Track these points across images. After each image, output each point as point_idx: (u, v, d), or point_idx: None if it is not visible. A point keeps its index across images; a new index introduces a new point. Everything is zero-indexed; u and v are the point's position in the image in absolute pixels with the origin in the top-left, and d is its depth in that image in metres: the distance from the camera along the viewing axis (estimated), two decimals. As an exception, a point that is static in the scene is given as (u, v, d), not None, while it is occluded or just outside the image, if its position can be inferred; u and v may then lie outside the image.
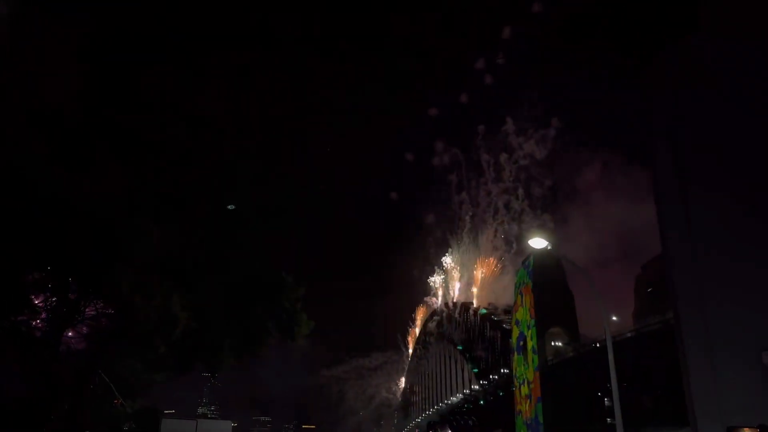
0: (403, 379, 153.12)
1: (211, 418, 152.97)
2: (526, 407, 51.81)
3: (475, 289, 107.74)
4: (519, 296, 57.06)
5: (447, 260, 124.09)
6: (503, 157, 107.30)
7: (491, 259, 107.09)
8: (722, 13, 25.45)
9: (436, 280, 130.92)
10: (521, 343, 54.85)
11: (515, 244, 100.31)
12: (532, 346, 51.66)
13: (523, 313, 54.94)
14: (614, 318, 50.84)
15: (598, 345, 46.34)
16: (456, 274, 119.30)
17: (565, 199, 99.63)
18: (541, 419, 47.66)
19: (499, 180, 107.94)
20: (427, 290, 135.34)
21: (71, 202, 19.85)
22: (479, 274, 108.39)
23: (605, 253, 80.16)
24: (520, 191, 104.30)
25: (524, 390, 52.75)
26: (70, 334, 24.15)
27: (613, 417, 19.43)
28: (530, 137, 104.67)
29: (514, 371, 57.61)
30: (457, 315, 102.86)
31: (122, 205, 21.02)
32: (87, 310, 23.95)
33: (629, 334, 44.31)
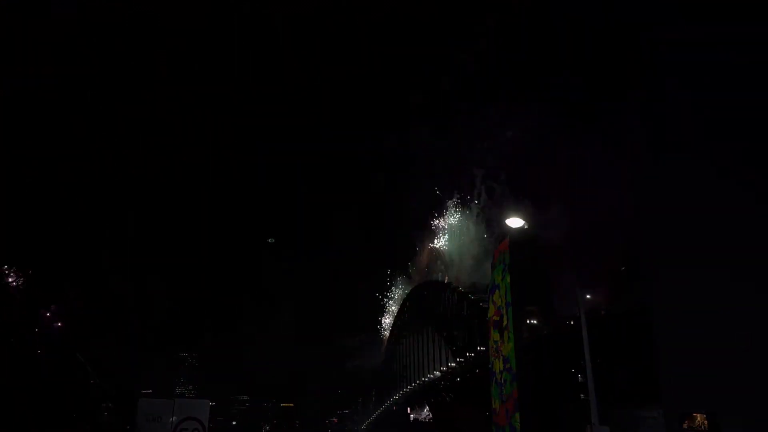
0: (382, 358, 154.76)
1: (188, 397, 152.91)
2: (500, 378, 52.77)
3: (454, 269, 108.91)
4: (496, 275, 57.81)
5: (427, 242, 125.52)
6: (486, 143, 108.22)
7: (472, 241, 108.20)
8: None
9: (416, 259, 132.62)
10: (497, 318, 55.67)
11: (497, 227, 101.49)
12: (507, 324, 52.48)
13: (500, 292, 55.67)
14: (588, 297, 51.81)
15: (572, 323, 47.25)
16: (436, 255, 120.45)
17: (547, 184, 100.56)
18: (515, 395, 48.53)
19: (481, 165, 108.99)
20: (409, 271, 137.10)
21: (51, 186, 19.54)
22: (459, 254, 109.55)
23: (582, 235, 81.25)
24: (502, 177, 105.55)
25: (499, 365, 53.67)
26: (47, 315, 23.94)
27: (586, 393, 19.93)
28: (512, 124, 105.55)
29: (490, 348, 58.52)
30: (436, 294, 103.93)
31: (101, 190, 20.72)
32: (64, 291, 23.72)
33: (603, 312, 45.24)
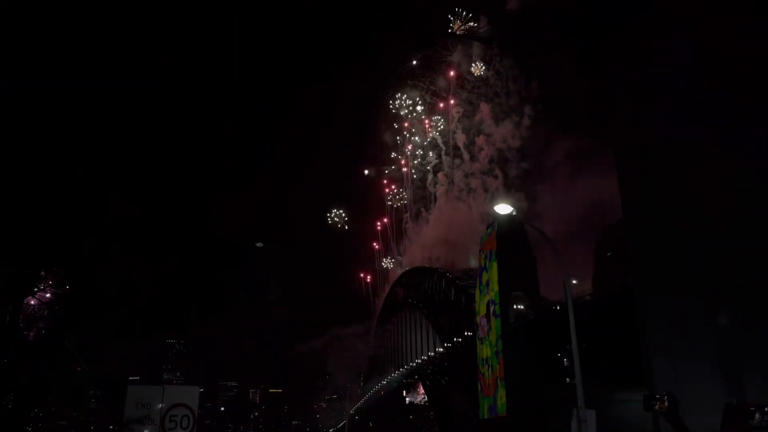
0: (371, 343, 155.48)
1: (177, 384, 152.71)
2: (487, 363, 53.30)
3: (449, 257, 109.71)
4: (484, 259, 58.17)
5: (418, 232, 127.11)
6: (479, 139, 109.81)
7: (462, 231, 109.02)
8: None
9: (407, 247, 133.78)
10: (483, 304, 56.04)
11: (490, 220, 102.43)
12: (494, 309, 52.86)
13: (487, 275, 56.02)
14: (574, 282, 52.19)
15: (558, 308, 47.62)
16: (428, 244, 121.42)
17: (538, 178, 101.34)
18: (502, 382, 49.09)
19: (475, 161, 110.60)
20: (401, 261, 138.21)
21: (35, 171, 19.25)
22: (453, 242, 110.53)
23: (570, 225, 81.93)
24: (496, 172, 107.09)
25: (487, 351, 54.14)
26: (31, 302, 23.69)
27: (572, 377, 20.17)
28: (505, 123, 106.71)
29: (477, 333, 58.97)
30: (424, 280, 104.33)
31: (85, 173, 20.45)
32: (49, 277, 23.46)
33: (588, 298, 45.63)
